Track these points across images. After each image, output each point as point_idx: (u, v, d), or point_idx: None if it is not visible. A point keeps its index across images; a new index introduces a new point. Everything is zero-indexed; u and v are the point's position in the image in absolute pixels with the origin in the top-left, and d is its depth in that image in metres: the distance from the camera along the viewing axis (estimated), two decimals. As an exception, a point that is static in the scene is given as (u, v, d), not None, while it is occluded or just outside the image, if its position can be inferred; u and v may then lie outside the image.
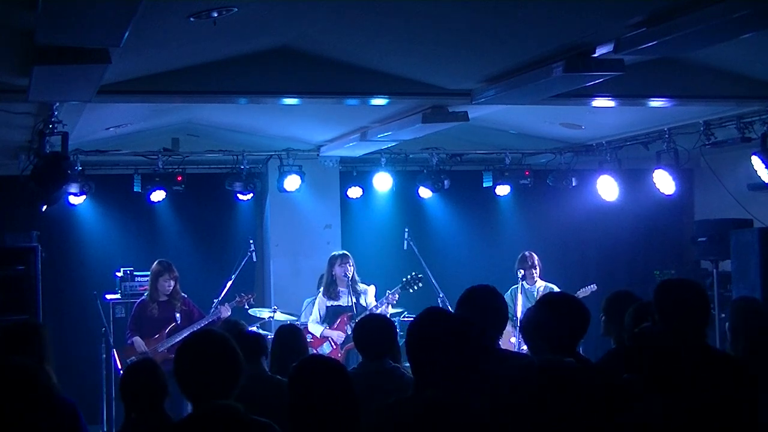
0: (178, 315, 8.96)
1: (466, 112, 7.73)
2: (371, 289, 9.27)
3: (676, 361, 4.10)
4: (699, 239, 9.94)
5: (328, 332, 9.04)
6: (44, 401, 2.79)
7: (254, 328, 9.36)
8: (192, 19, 5.08)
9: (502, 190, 10.98)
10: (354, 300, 9.01)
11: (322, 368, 3.58)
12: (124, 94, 6.72)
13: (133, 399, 4.47)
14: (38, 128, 7.50)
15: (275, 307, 9.72)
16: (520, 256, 9.74)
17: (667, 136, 9.35)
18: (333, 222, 11.18)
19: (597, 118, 9.05)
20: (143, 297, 9.15)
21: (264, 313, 9.67)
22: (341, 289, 9.15)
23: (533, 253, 9.72)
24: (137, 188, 10.04)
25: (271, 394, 4.49)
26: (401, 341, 4.70)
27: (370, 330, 5.16)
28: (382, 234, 11.30)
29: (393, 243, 10.64)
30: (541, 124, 9.59)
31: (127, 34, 4.56)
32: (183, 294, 9.10)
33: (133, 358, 8.64)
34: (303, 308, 9.73)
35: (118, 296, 9.94)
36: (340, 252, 9.37)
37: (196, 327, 8.59)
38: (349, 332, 8.77)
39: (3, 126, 7.85)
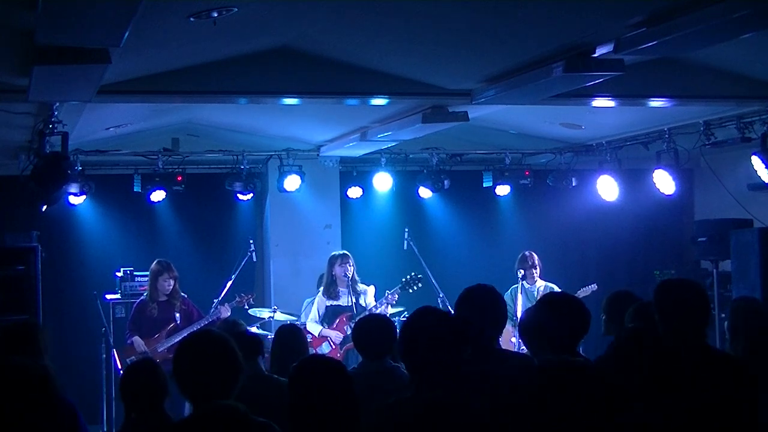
0: (177, 315, 8.96)
1: (466, 112, 7.73)
2: (371, 290, 9.27)
3: (676, 361, 4.10)
4: (699, 239, 9.94)
5: (327, 331, 9.04)
6: (45, 401, 2.79)
7: (254, 329, 9.37)
8: (192, 19, 5.08)
9: (502, 190, 10.98)
10: (354, 300, 9.01)
11: (322, 368, 3.58)
12: (124, 94, 6.72)
13: (133, 399, 4.47)
14: (38, 128, 7.50)
15: (275, 307, 9.71)
16: (520, 255, 9.75)
17: (667, 136, 9.35)
18: (333, 222, 11.18)
19: (597, 118, 9.05)
20: (143, 297, 9.15)
21: (264, 313, 9.67)
22: (341, 289, 9.15)
23: (533, 253, 9.72)
24: (137, 188, 10.04)
25: (268, 393, 4.49)
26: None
27: (370, 330, 5.16)
28: (382, 234, 11.30)
29: (393, 243, 10.64)
30: (541, 124, 9.59)
31: (127, 34, 4.56)
32: (183, 294, 9.10)
33: (133, 357, 8.65)
34: (303, 308, 9.73)
35: (118, 296, 9.94)
36: (341, 252, 9.38)
37: (195, 327, 8.59)
38: (348, 332, 8.77)
39: (3, 126, 7.84)
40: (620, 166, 10.45)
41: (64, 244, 10.63)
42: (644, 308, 4.73)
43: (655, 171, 9.67)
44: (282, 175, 10.25)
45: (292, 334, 5.89)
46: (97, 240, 10.79)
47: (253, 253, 9.81)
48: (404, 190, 11.18)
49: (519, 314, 9.01)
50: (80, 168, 9.54)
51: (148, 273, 9.20)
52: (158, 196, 10.04)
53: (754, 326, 5.32)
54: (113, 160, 10.16)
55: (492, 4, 5.25)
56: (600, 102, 7.58)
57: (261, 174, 10.95)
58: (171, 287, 8.96)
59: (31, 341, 4.72)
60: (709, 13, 4.84)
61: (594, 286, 9.82)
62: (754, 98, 7.78)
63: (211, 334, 3.71)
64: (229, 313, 8.80)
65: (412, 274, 9.28)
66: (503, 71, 6.64)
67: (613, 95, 7.37)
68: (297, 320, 9.26)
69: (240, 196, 10.47)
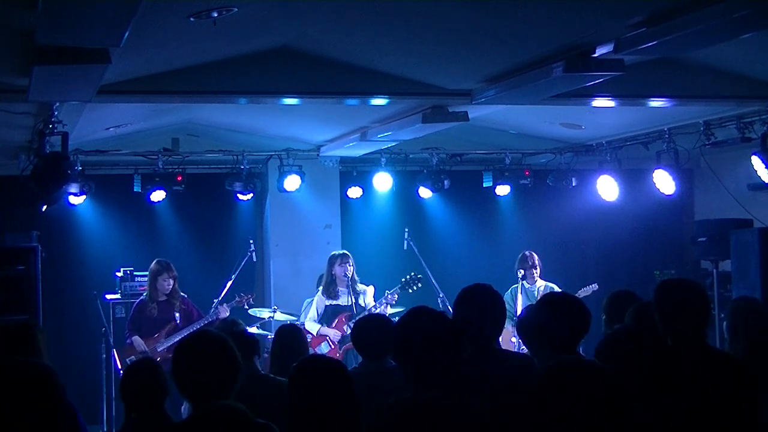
0: (177, 314, 8.97)
1: (466, 112, 7.73)
2: (370, 290, 9.27)
3: (676, 361, 4.10)
4: (699, 239, 9.94)
5: (325, 330, 9.03)
6: (45, 401, 2.79)
7: (254, 329, 9.38)
8: (192, 19, 5.07)
9: (502, 190, 10.98)
10: (353, 300, 9.01)
11: (323, 368, 3.58)
12: (124, 94, 6.72)
13: (133, 399, 4.47)
14: (38, 128, 7.50)
15: (275, 307, 9.71)
16: (520, 255, 9.74)
17: (667, 136, 9.35)
18: (333, 222, 11.18)
19: (597, 118, 9.05)
20: (142, 297, 9.15)
21: (264, 313, 9.67)
22: (340, 288, 9.15)
23: (533, 253, 9.72)
24: (137, 188, 10.04)
25: (265, 393, 4.49)
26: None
27: (370, 330, 5.16)
28: (382, 234, 11.30)
29: (393, 243, 10.64)
30: (541, 124, 9.59)
31: (127, 34, 4.55)
32: (182, 293, 9.11)
33: (133, 357, 8.65)
34: (303, 308, 9.73)
35: (118, 296, 9.94)
36: (341, 251, 9.38)
37: (194, 327, 8.60)
38: (348, 332, 8.77)
39: (3, 126, 7.84)
40: (620, 166, 10.45)
41: (64, 244, 10.63)
42: (644, 308, 4.73)
43: (655, 171, 9.67)
44: (282, 175, 10.25)
45: (292, 334, 5.89)
46: (97, 240, 10.79)
47: (253, 253, 9.81)
48: (404, 190, 11.18)
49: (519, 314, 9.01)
50: (80, 168, 9.54)
51: (147, 273, 9.20)
52: (158, 196, 10.04)
53: (754, 326, 5.32)
54: (113, 160, 10.16)
55: (492, 4, 5.25)
56: (600, 102, 7.58)
57: (261, 174, 10.95)
58: (170, 287, 8.96)
59: (29, 341, 4.71)
60: (709, 13, 4.84)
61: (595, 286, 9.81)
62: (754, 98, 7.78)
63: (210, 333, 3.72)
64: (227, 314, 8.81)
65: (412, 274, 9.28)
66: (503, 71, 6.64)
67: (613, 95, 7.37)
68: (297, 320, 9.26)
69: (240, 196, 10.47)
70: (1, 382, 2.81)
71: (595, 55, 5.84)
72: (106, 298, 9.79)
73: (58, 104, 6.95)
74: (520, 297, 9.48)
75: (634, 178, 10.60)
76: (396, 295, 9.10)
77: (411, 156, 10.67)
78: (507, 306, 9.20)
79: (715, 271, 9.82)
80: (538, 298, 6.14)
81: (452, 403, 3.50)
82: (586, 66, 5.91)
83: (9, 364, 2.94)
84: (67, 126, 7.41)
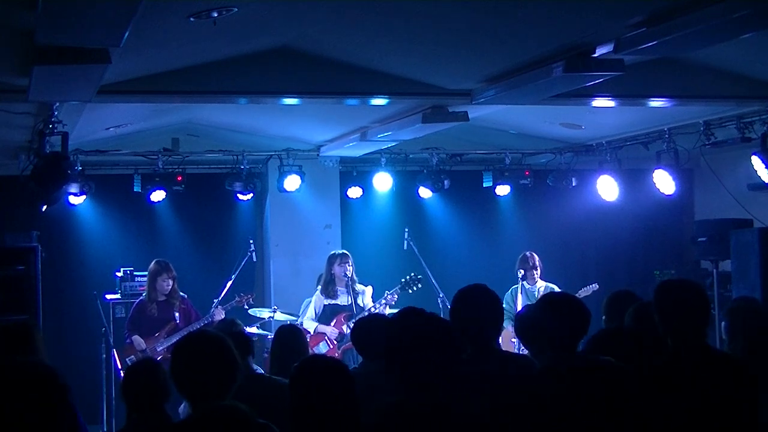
0: (177, 314, 8.97)
1: (466, 112, 7.73)
2: (368, 290, 9.26)
3: (676, 361, 4.10)
4: (699, 239, 9.94)
5: (323, 328, 9.02)
6: (45, 401, 2.79)
7: (254, 329, 9.38)
8: (192, 19, 5.07)
9: (502, 190, 10.97)
10: (352, 299, 9.00)
11: (324, 368, 3.58)
12: (124, 94, 6.72)
13: (134, 399, 4.47)
14: (38, 128, 7.50)
15: (275, 307, 9.71)
16: (521, 256, 9.74)
17: (667, 136, 9.35)
18: (333, 222, 11.18)
19: (597, 118, 9.05)
20: (141, 297, 9.15)
21: (264, 313, 9.66)
22: (339, 288, 9.14)
23: (534, 254, 9.72)
24: (137, 188, 10.03)
25: (260, 393, 4.49)
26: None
27: (370, 330, 5.17)
28: (382, 234, 11.30)
29: (393, 243, 10.65)
30: (541, 124, 9.59)
31: (127, 34, 4.55)
32: (182, 294, 9.11)
33: (133, 357, 8.66)
34: (302, 308, 9.72)
35: (118, 296, 9.94)
36: (340, 251, 9.37)
37: (192, 329, 8.58)
38: (347, 331, 8.77)
39: (3, 126, 7.84)
40: (620, 166, 10.45)
41: (64, 244, 10.63)
42: (644, 308, 4.73)
43: (655, 171, 9.67)
44: (282, 175, 10.25)
45: (292, 335, 5.89)
46: (97, 240, 10.79)
47: (253, 253, 9.81)
48: (404, 190, 11.18)
49: (519, 315, 9.00)
50: (80, 168, 9.54)
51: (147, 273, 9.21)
52: (158, 196, 10.04)
53: (753, 326, 5.32)
54: (113, 160, 10.16)
55: (492, 4, 5.25)
56: (600, 102, 7.58)
57: (261, 174, 10.95)
58: (169, 287, 8.96)
59: (27, 341, 4.71)
60: (709, 13, 4.84)
61: (595, 286, 9.81)
62: (754, 98, 7.78)
63: (208, 333, 3.72)
64: (223, 316, 8.79)
65: (412, 274, 9.28)
66: (503, 71, 6.64)
67: (613, 95, 7.37)
68: (297, 320, 9.25)
69: (240, 196, 10.47)
70: (1, 382, 2.81)
71: (595, 55, 5.84)
72: (106, 298, 9.79)
73: (58, 104, 6.95)
74: (520, 297, 9.47)
75: (634, 178, 10.60)
76: (396, 296, 9.09)
77: (411, 156, 10.67)
78: (507, 306, 9.24)
79: (715, 271, 9.82)
80: (538, 298, 6.13)
81: (452, 404, 3.50)
82: (586, 66, 5.91)
83: (9, 364, 2.94)
84: (67, 126, 7.41)
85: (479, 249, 11.66)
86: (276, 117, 8.98)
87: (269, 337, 9.10)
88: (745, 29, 5.20)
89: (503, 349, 6.16)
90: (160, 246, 10.69)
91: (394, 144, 10.13)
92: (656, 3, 5.07)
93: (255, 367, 5.63)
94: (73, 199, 9.77)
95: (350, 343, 6.66)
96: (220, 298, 9.15)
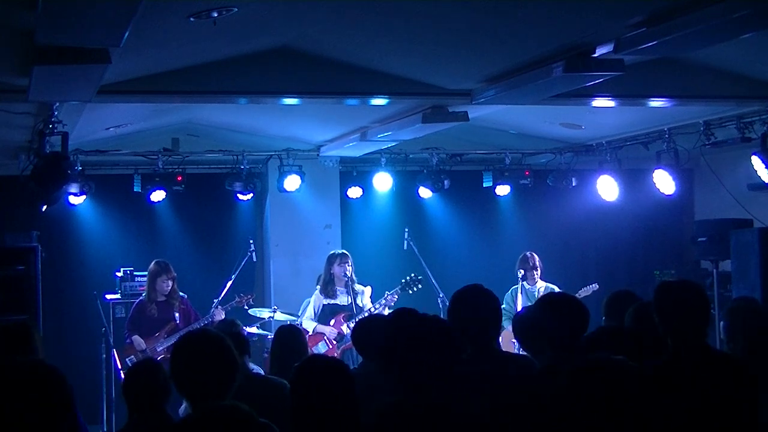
0: (177, 314, 8.97)
1: (466, 112, 7.73)
2: (367, 290, 9.26)
3: (676, 361, 4.10)
4: (699, 239, 9.94)
5: (321, 327, 9.01)
6: (45, 401, 2.79)
7: (254, 329, 9.38)
8: (192, 19, 5.08)
9: (502, 190, 10.97)
10: (351, 299, 9.00)
11: (324, 368, 3.58)
12: (124, 94, 6.72)
13: (134, 399, 4.47)
14: (38, 128, 7.50)
15: (275, 307, 9.71)
16: (521, 256, 9.74)
17: (667, 136, 9.35)
18: (333, 222, 11.18)
19: (597, 118, 9.05)
20: (141, 297, 9.15)
21: (264, 313, 9.66)
22: (339, 288, 9.14)
23: (534, 254, 9.71)
24: (137, 188, 10.04)
25: (255, 393, 4.48)
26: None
27: (370, 330, 5.17)
28: (382, 234, 11.30)
29: (393, 243, 10.64)
30: (541, 124, 9.59)
31: (127, 34, 4.56)
32: (182, 294, 9.11)
33: (133, 357, 8.66)
34: (302, 308, 9.73)
35: (118, 296, 9.94)
36: (340, 251, 9.36)
37: (192, 328, 8.58)
38: (346, 331, 8.77)
39: (3, 126, 7.84)
40: (620, 166, 10.45)
41: (64, 244, 10.63)
42: (644, 308, 4.73)
43: (655, 171, 9.67)
44: (282, 175, 10.25)
45: (291, 335, 5.90)
46: (97, 240, 10.79)
47: (253, 253, 9.81)
48: (404, 190, 11.18)
49: (519, 315, 9.00)
50: (80, 168, 9.54)
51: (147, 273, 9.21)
52: (158, 196, 10.04)
53: (753, 326, 5.32)
54: (113, 160, 10.16)
55: (492, 4, 5.25)
56: (600, 102, 7.58)
57: (261, 174, 10.95)
58: (169, 288, 8.96)
59: (26, 341, 4.71)
60: (709, 13, 4.84)
61: (595, 286, 9.81)
62: (754, 98, 7.78)
63: (208, 333, 3.72)
64: (223, 316, 8.80)
65: (412, 275, 9.27)
66: (503, 71, 6.64)
67: (613, 95, 7.37)
68: (297, 320, 9.25)
69: (240, 196, 10.47)
70: (1, 382, 2.81)
71: (595, 55, 5.84)
72: (106, 298, 9.80)
73: (58, 104, 6.95)
74: (520, 298, 9.47)
75: (634, 178, 10.60)
76: (396, 296, 9.08)
77: (411, 156, 10.67)
78: (507, 306, 9.25)
79: (715, 271, 9.82)
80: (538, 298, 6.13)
81: (452, 404, 3.50)
82: (586, 66, 5.91)
83: (9, 364, 2.94)
84: (67, 126, 7.41)
85: (479, 249, 11.66)
86: (276, 117, 8.98)
87: (269, 337, 9.10)
88: (745, 29, 5.21)
89: (503, 349, 6.17)
90: (160, 246, 10.69)
91: (394, 144, 10.13)
92: (656, 3, 5.07)
93: (252, 366, 5.64)
94: (73, 199, 9.78)
95: (350, 343, 6.66)
96: (220, 298, 9.15)
